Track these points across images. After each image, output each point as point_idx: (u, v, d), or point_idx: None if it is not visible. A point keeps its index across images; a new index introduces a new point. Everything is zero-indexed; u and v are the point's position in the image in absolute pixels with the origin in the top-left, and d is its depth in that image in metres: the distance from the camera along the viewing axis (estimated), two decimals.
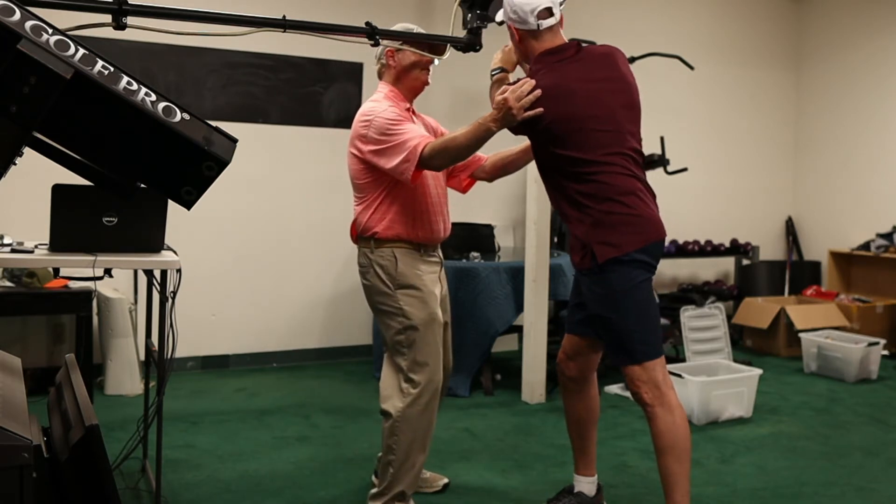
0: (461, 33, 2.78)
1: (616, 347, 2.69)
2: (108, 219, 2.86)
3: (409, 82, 2.93)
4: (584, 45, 2.71)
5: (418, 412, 2.85)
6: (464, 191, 3.22)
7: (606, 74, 2.65)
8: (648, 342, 2.62)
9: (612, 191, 2.58)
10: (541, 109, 2.53)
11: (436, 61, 2.92)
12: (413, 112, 2.99)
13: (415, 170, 2.68)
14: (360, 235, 2.92)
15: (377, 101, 2.87)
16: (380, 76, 3.00)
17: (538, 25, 2.62)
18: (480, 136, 2.61)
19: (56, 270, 4.11)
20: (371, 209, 2.86)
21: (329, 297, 5.47)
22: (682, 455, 2.60)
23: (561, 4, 2.66)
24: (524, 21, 2.63)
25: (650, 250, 2.62)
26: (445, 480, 3.27)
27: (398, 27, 2.85)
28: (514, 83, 2.59)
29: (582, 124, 2.57)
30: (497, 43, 3.03)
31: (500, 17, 2.71)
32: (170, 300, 2.87)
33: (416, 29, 2.85)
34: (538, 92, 2.52)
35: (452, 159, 2.74)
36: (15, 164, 1.64)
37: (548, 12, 2.62)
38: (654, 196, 2.71)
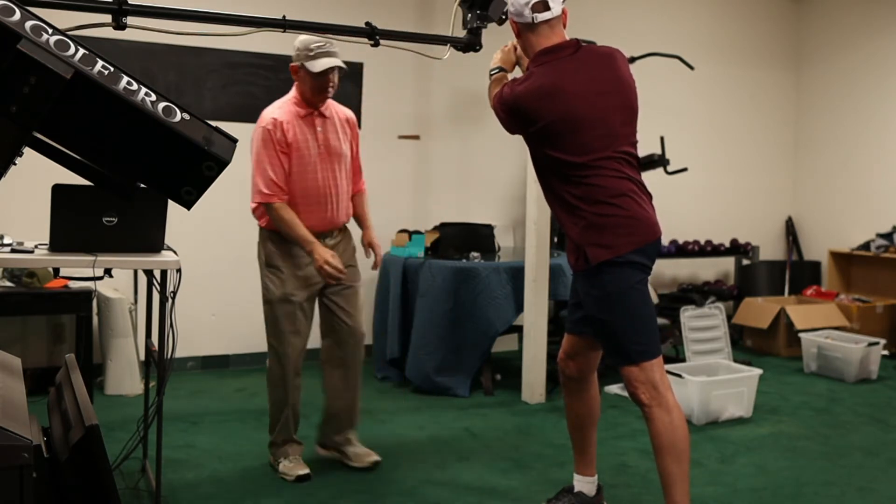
0: (461, 33, 2.78)
1: (613, 348, 2.69)
2: (108, 219, 2.86)
3: (307, 94, 3.28)
4: (584, 44, 2.70)
5: (274, 378, 3.38)
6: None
7: (603, 75, 2.64)
8: (645, 343, 2.62)
9: (604, 193, 2.58)
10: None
11: (338, 66, 3.23)
12: (318, 114, 3.32)
13: (258, 204, 3.30)
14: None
15: (272, 106, 3.34)
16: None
17: (533, 19, 2.62)
18: (295, 239, 3.23)
19: (56, 270, 4.11)
20: None
21: None
22: (680, 455, 2.60)
23: (563, 1, 2.66)
24: (520, 14, 2.63)
25: (645, 251, 2.62)
26: (375, 458, 3.40)
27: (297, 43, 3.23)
28: (515, 80, 2.59)
29: (574, 125, 2.57)
30: (497, 43, 3.03)
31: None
32: (170, 300, 2.87)
33: (315, 43, 3.17)
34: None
35: (281, 229, 3.28)
36: (15, 164, 1.64)
37: (543, 6, 2.61)
38: (649, 197, 2.70)
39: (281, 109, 3.29)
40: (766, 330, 5.95)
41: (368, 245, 3.52)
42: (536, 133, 2.62)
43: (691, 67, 6.04)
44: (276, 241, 3.34)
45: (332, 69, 3.20)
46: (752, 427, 4.19)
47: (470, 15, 2.75)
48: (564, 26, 2.70)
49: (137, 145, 1.61)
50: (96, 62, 1.52)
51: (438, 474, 3.43)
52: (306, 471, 3.32)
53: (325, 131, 3.33)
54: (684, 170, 5.89)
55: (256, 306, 5.22)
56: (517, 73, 2.92)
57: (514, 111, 2.65)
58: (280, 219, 3.25)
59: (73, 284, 4.13)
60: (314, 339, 5.58)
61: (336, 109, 3.43)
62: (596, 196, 2.58)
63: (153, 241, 2.97)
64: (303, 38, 3.21)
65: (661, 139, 5.80)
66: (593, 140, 2.58)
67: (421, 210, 5.70)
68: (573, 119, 2.57)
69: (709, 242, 6.52)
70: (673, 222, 6.20)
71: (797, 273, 6.93)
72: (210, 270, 5.06)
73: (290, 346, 3.33)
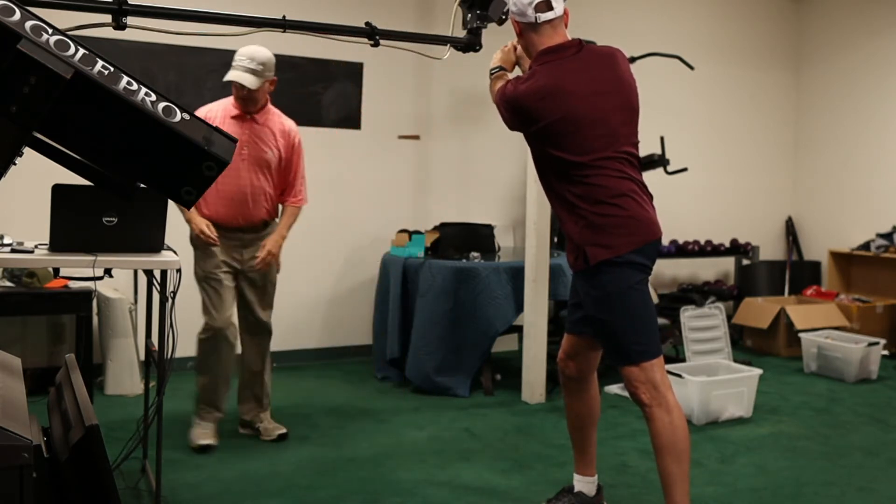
0: (461, 33, 2.78)
1: (613, 348, 2.69)
2: (108, 219, 2.86)
3: (235, 99, 3.57)
4: (586, 44, 2.70)
5: (206, 348, 3.62)
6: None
7: (604, 75, 2.65)
8: (645, 343, 2.62)
9: (605, 193, 2.58)
10: None
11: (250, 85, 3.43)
12: (251, 119, 3.57)
13: None
14: None
15: (215, 102, 3.63)
16: None
17: (536, 18, 2.62)
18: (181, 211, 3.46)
19: (56, 270, 4.11)
20: None
21: (329, 297, 5.47)
22: (680, 455, 2.60)
23: (565, 1, 2.66)
24: (523, 13, 2.63)
25: (645, 251, 2.62)
26: (282, 431, 3.72)
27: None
28: (518, 78, 2.58)
29: (575, 126, 2.57)
30: (497, 43, 3.03)
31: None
32: (170, 300, 2.87)
33: (239, 56, 3.41)
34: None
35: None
36: (15, 164, 1.64)
37: (546, 5, 2.61)
38: (650, 197, 2.70)
39: (218, 105, 3.61)
40: (766, 330, 5.95)
41: (263, 245, 3.67)
42: (538, 132, 2.62)
43: (691, 67, 6.04)
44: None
45: (236, 83, 3.44)
46: (752, 427, 4.19)
47: (470, 15, 2.75)
48: (566, 26, 2.70)
49: (137, 145, 1.61)
50: (96, 62, 1.52)
51: (438, 474, 3.43)
52: (209, 441, 3.51)
53: (252, 136, 3.57)
54: (684, 170, 5.89)
55: None
56: (517, 72, 2.93)
57: (515, 109, 2.66)
58: None
59: (73, 284, 4.13)
60: (317, 341, 5.52)
61: (274, 120, 3.66)
62: (596, 196, 2.58)
63: (153, 241, 2.97)
64: (241, 49, 3.46)
65: (661, 139, 5.80)
66: (594, 140, 2.58)
67: (421, 210, 5.70)
68: (574, 119, 2.57)
69: (709, 242, 6.52)
70: (673, 222, 6.20)
71: (797, 273, 6.93)
72: None
73: (215, 320, 3.61)
